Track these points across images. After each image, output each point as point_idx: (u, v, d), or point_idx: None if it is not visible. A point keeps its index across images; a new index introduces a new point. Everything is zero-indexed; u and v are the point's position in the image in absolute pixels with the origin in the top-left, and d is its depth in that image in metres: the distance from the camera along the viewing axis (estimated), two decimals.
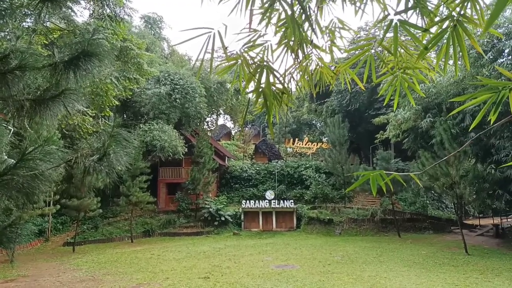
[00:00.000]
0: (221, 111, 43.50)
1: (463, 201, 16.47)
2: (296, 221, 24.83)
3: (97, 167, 1.93)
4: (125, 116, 26.96)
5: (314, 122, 48.02)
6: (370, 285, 10.15)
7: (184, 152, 25.46)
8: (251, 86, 1.99)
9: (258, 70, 1.73)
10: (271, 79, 1.90)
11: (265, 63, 1.80)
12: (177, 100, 25.64)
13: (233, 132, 51.04)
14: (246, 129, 49.60)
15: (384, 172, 1.82)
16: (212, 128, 42.65)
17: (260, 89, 1.73)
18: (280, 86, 1.99)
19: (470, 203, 17.49)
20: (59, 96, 1.99)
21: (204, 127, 36.57)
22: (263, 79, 1.73)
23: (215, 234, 23.39)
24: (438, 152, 16.22)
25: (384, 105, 20.33)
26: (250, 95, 2.12)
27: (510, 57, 15.67)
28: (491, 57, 15.79)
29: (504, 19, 15.86)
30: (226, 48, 1.75)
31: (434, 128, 17.36)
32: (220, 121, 51.50)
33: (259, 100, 1.81)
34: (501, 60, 15.64)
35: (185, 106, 26.24)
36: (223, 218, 24.35)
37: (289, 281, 10.81)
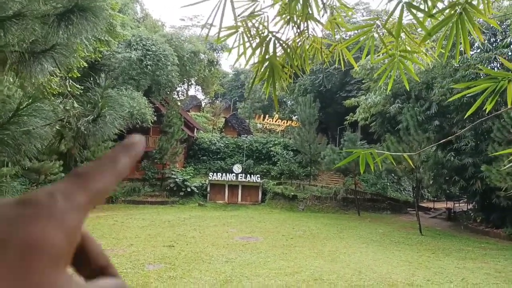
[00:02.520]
0: (193, 82, 42.64)
1: (422, 184, 17.30)
2: (261, 195, 25.25)
3: (91, 129, 1.84)
4: (91, 79, 25.85)
5: (284, 99, 48.14)
6: (330, 259, 10.59)
7: (152, 121, 24.92)
8: (248, 55, 1.97)
9: (266, 40, 1.71)
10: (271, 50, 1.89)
11: (270, 34, 1.77)
12: (148, 66, 24.82)
13: (203, 104, 50.39)
14: (217, 102, 49.14)
15: (376, 151, 1.88)
16: (183, 98, 41.88)
17: (266, 60, 1.71)
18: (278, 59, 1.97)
19: (428, 187, 18.41)
20: (50, 50, 1.86)
21: (174, 96, 35.78)
22: (271, 49, 1.72)
23: (180, 204, 23.40)
24: (403, 137, 16.83)
25: (374, 85, 20.44)
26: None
27: (479, 50, 16.24)
28: (461, 49, 16.31)
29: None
30: (238, 15, 1.71)
31: (401, 114, 17.92)
32: (191, 92, 50.65)
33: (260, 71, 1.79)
34: (471, 52, 16.20)
35: (156, 74, 25.48)
36: (189, 189, 24.35)
37: (253, 252, 11.08)
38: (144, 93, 25.31)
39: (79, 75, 15.03)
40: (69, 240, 0.25)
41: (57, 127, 1.88)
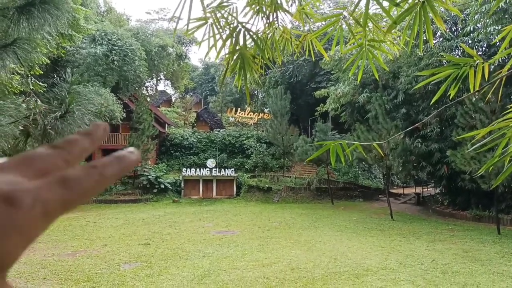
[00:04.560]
0: (162, 77, 41.91)
1: (391, 171, 17.80)
2: (236, 189, 25.27)
3: (59, 126, 1.75)
4: (56, 76, 24.92)
5: (256, 92, 48.16)
6: (306, 248, 10.76)
7: (122, 118, 24.33)
8: (220, 47, 1.95)
9: (236, 31, 1.70)
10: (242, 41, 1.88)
11: (239, 25, 1.76)
12: (115, 62, 24.16)
13: (173, 99, 49.68)
14: (188, 96, 48.57)
15: (346, 142, 1.91)
16: (152, 94, 41.12)
17: (237, 51, 1.70)
18: (249, 50, 1.97)
19: (398, 173, 18.96)
20: (11, 45, 1.76)
21: (144, 92, 35.06)
22: (241, 41, 1.71)
23: (154, 202, 23.09)
24: (372, 125, 17.23)
25: (343, 76, 20.59)
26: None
27: (441, 39, 16.80)
28: (424, 38, 16.83)
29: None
30: (206, 6, 1.68)
31: (370, 103, 18.33)
32: (160, 87, 49.83)
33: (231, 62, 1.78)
34: (434, 41, 16.73)
35: (124, 69, 24.85)
36: (162, 186, 24.04)
37: (230, 246, 11.10)
38: (112, 89, 24.64)
39: (42, 73, 14.45)
40: (23, 251, 0.25)
41: (22, 126, 1.78)
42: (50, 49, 12.91)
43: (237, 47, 1.72)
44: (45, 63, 14.77)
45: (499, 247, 10.91)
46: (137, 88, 29.25)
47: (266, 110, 37.80)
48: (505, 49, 1.63)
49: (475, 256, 9.85)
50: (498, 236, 12.61)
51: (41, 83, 14.32)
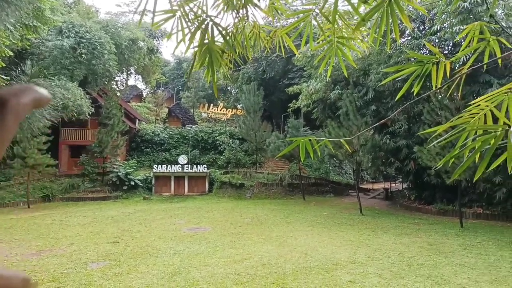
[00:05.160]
0: (132, 71, 40.99)
1: (361, 167, 18.19)
2: (208, 185, 25.14)
3: None
4: (19, 69, 23.91)
5: (229, 88, 47.94)
6: (278, 244, 10.84)
7: (90, 113, 23.63)
8: (188, 41, 1.91)
9: (204, 25, 1.67)
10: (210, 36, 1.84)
11: (208, 18, 1.73)
12: (83, 55, 23.39)
13: (144, 94, 48.72)
14: (159, 91, 47.77)
15: (315, 138, 1.92)
16: (122, 88, 40.14)
17: (205, 44, 1.67)
18: (219, 44, 1.94)
19: (367, 169, 19.40)
20: None
21: (113, 86, 34.17)
22: (210, 34, 1.67)
23: (124, 199, 22.61)
24: (343, 122, 17.53)
25: (315, 72, 20.69)
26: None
27: (409, 37, 17.27)
28: (393, 36, 17.24)
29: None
30: None
31: (341, 100, 18.63)
32: (131, 82, 48.72)
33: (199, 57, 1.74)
34: (402, 40, 17.18)
35: (92, 63, 24.11)
36: (132, 183, 23.58)
37: (202, 242, 11.03)
38: (80, 83, 23.88)
39: (4, 65, 13.83)
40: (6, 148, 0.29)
41: None
42: (13, 41, 12.31)
43: (206, 41, 1.69)
44: (8, 55, 14.16)
45: (462, 240, 11.38)
46: (106, 82, 28.47)
47: (239, 106, 37.73)
48: (468, 46, 1.68)
49: (439, 248, 10.23)
50: (461, 229, 13.15)
51: (3, 76, 13.70)
